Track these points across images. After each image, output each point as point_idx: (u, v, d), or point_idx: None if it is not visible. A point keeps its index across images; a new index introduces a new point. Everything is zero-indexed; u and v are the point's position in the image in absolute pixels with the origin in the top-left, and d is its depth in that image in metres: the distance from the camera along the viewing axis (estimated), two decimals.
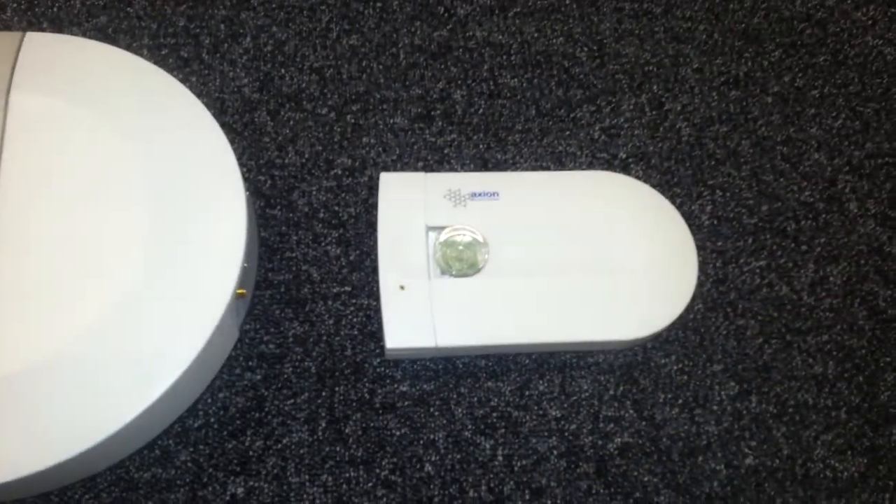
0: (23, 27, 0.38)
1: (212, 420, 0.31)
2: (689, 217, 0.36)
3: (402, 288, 0.31)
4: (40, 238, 0.29)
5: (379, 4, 0.40)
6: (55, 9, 0.38)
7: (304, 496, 0.30)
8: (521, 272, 0.32)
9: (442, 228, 0.33)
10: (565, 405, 0.32)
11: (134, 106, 0.32)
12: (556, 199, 0.34)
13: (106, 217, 0.29)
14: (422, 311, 0.31)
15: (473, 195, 0.34)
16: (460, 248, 0.33)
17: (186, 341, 0.27)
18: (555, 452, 0.31)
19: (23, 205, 0.29)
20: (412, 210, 0.33)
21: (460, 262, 0.33)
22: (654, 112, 0.39)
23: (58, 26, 0.38)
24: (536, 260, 0.33)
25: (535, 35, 0.40)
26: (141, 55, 0.33)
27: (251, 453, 0.30)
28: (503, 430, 0.32)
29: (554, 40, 0.40)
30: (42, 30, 0.38)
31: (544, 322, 0.32)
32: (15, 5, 0.38)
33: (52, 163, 0.30)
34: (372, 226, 0.34)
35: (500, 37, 0.40)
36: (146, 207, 0.29)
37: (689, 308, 0.33)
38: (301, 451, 0.31)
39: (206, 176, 0.31)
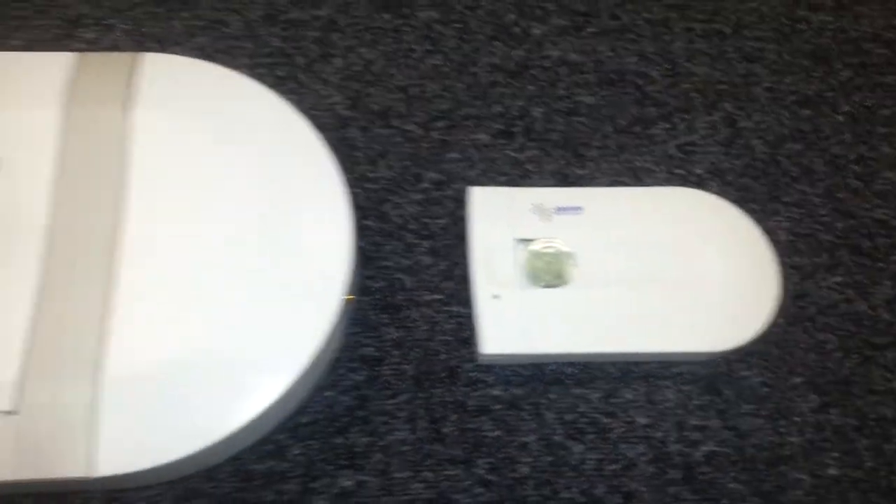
0: (130, 46, 0.40)
1: (320, 417, 0.33)
2: (766, 233, 0.37)
3: (495, 297, 0.33)
4: (169, 246, 0.31)
5: (458, 25, 0.42)
6: (158, 29, 0.41)
7: (409, 491, 0.32)
8: (607, 284, 0.34)
9: (530, 241, 0.34)
10: (651, 413, 0.34)
11: (245, 122, 0.34)
12: (638, 214, 0.35)
13: (225, 228, 0.31)
14: (514, 320, 0.33)
15: (558, 209, 0.35)
16: (548, 260, 0.34)
17: (305, 341, 0.29)
18: (643, 458, 0.33)
19: (149, 216, 0.31)
20: (501, 223, 0.35)
21: (548, 273, 0.34)
22: (727, 129, 0.40)
23: (162, 46, 0.40)
24: (621, 273, 0.34)
25: (609, 54, 0.42)
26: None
27: (357, 449, 0.32)
28: (592, 436, 0.33)
29: (627, 59, 0.42)
30: (147, 49, 0.40)
31: (630, 333, 0.33)
32: (123, 26, 0.41)
33: (174, 176, 0.32)
34: (460, 237, 0.36)
35: (575, 56, 0.42)
36: (262, 218, 0.32)
37: (770, 322, 0.34)
38: (403, 449, 0.32)
39: (312, 189, 0.33)
